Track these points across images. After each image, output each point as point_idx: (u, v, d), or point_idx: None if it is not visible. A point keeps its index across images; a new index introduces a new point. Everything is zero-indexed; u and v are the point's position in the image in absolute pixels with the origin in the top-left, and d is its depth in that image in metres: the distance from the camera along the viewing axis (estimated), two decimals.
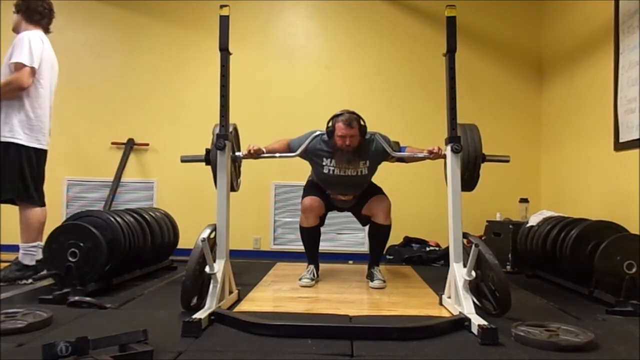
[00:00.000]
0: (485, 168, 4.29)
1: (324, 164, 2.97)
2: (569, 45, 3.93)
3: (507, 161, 2.58)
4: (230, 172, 2.51)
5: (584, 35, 3.71)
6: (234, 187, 2.64)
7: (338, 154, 2.90)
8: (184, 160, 2.58)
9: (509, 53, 4.42)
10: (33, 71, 2.82)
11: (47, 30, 3.04)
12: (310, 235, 3.17)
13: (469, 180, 2.54)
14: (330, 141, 2.91)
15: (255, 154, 2.71)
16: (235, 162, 2.68)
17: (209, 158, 2.50)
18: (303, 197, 3.16)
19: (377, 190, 3.17)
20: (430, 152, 2.70)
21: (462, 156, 2.44)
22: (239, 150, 2.73)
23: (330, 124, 2.91)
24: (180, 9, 4.47)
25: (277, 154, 2.87)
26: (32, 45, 2.83)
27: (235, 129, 2.68)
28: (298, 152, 2.89)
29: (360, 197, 3.13)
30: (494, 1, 4.44)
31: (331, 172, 2.97)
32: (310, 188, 3.18)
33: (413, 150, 2.91)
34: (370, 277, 3.09)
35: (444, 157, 2.58)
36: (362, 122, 2.90)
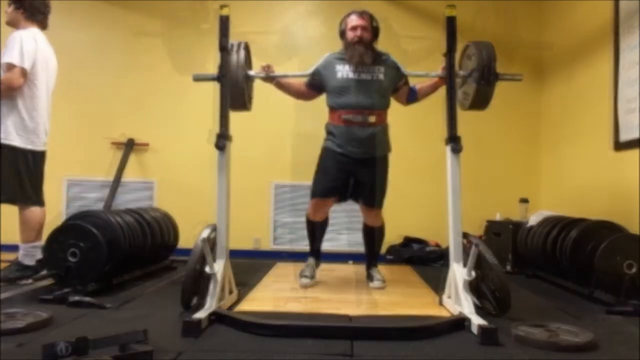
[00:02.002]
0: (484, 167, 4.33)
1: (337, 70, 2.86)
2: (569, 44, 3.93)
3: (520, 79, 2.58)
4: (244, 91, 2.58)
5: (583, 34, 3.71)
6: (247, 106, 2.66)
7: (350, 49, 2.82)
8: (197, 78, 2.54)
9: (509, 52, 4.41)
10: (24, 72, 2.79)
11: (44, 27, 3.01)
12: (317, 228, 3.09)
13: (482, 99, 2.51)
14: (343, 44, 2.89)
15: (268, 69, 2.73)
16: (248, 81, 2.67)
17: (220, 76, 2.47)
18: (315, 184, 2.96)
19: (380, 186, 2.93)
20: (444, 69, 2.60)
21: (476, 75, 2.44)
22: (250, 68, 2.71)
23: (342, 23, 2.90)
24: (180, 9, 4.47)
25: (290, 73, 2.93)
26: (24, 45, 2.79)
27: (248, 47, 2.64)
28: (312, 69, 2.88)
29: (369, 172, 2.88)
30: (494, 1, 4.44)
31: (345, 76, 2.84)
32: (323, 176, 2.93)
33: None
34: (370, 278, 3.06)
35: (458, 75, 2.59)
36: (374, 21, 2.87)
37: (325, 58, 2.92)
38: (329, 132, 2.94)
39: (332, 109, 2.91)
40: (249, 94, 2.70)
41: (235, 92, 2.52)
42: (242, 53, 2.55)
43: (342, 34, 2.90)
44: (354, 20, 2.83)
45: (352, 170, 2.89)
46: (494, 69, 2.43)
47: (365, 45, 2.81)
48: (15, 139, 2.82)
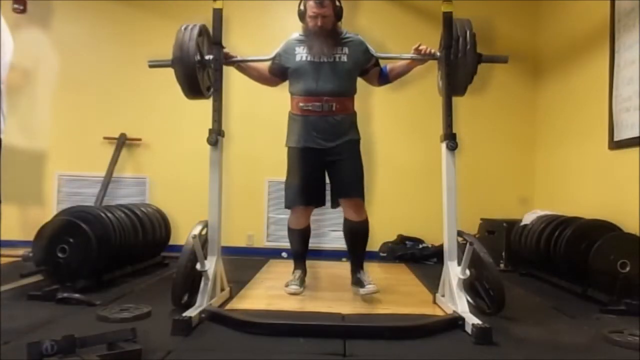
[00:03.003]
0: (480, 166, 4.32)
1: (296, 52, 2.63)
2: (565, 43, 3.91)
3: (506, 61, 2.38)
4: (199, 76, 2.35)
5: (579, 33, 3.70)
6: (203, 92, 2.40)
7: (309, 38, 2.61)
8: (152, 65, 2.42)
9: (505, 51, 4.37)
10: None
11: None
12: (300, 237, 2.85)
13: (457, 81, 2.29)
14: (303, 27, 2.66)
15: (226, 58, 2.49)
16: (205, 67, 2.42)
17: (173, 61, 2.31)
18: (288, 193, 2.73)
19: (355, 173, 2.68)
20: (418, 50, 2.47)
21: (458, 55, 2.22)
22: (209, 53, 2.46)
23: (301, 5, 2.61)
24: (174, 3, 4.41)
25: (250, 57, 2.69)
26: None
27: (206, 30, 2.42)
28: (272, 54, 2.67)
29: (339, 156, 2.63)
30: (490, 0, 4.42)
31: (304, 58, 2.60)
32: (298, 176, 2.67)
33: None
34: (358, 283, 2.66)
35: (435, 57, 2.46)
36: (337, 2, 2.58)
37: (286, 40, 2.71)
38: (289, 124, 2.73)
39: (292, 95, 2.71)
40: (205, 81, 2.45)
41: (186, 75, 2.31)
42: (196, 34, 2.31)
43: (301, 16, 2.63)
44: (313, 7, 2.52)
45: (322, 164, 2.65)
46: (473, 46, 2.20)
47: (326, 34, 2.57)
48: None
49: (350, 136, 2.68)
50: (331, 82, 2.58)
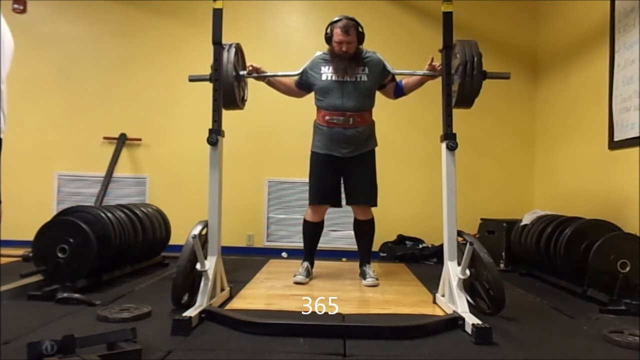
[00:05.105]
0: (479, 166, 4.33)
1: (322, 72, 2.95)
2: (565, 43, 3.92)
3: (508, 77, 2.55)
4: (235, 91, 2.59)
5: (579, 33, 3.70)
6: (238, 104, 2.66)
7: (335, 60, 2.91)
8: (192, 79, 2.58)
9: (505, 51, 4.40)
10: None
11: None
12: (313, 230, 3.14)
13: (466, 96, 2.45)
14: (328, 48, 2.97)
15: (255, 71, 2.77)
16: (240, 81, 2.70)
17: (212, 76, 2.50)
18: (310, 191, 3.06)
19: (368, 182, 3.01)
20: (431, 66, 2.69)
21: (460, 72, 2.40)
22: (243, 69, 2.72)
23: (328, 29, 2.92)
24: (174, 3, 4.42)
25: (280, 73, 2.95)
26: None
27: (240, 49, 2.67)
28: (300, 70, 2.98)
29: (355, 166, 2.97)
30: (490, 0, 4.43)
31: (329, 78, 2.93)
32: (315, 183, 3.03)
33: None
34: (363, 275, 3.08)
35: None
36: (360, 29, 2.90)
37: (312, 59, 3.02)
38: (315, 132, 3.06)
39: (318, 108, 3.02)
40: (240, 93, 2.71)
41: (226, 91, 2.52)
42: (233, 54, 2.54)
43: (328, 40, 2.94)
44: (339, 35, 2.85)
45: (340, 170, 3.01)
46: (480, 66, 2.41)
47: (349, 57, 2.89)
48: None
49: (368, 147, 3.03)
50: (353, 99, 2.90)
